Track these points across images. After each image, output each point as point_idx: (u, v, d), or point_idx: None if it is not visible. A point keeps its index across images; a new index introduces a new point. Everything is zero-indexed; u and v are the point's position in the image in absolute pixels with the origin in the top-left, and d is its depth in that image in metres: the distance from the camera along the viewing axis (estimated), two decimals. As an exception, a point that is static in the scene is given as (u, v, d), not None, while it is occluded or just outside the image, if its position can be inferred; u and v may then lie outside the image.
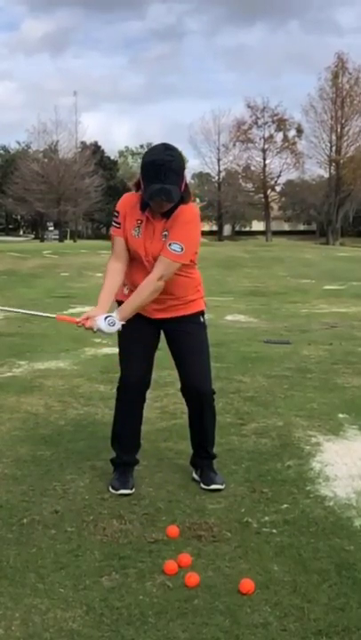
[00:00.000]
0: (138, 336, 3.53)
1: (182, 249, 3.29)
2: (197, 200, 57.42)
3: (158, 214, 3.31)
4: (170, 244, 3.29)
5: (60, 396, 5.44)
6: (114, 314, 3.36)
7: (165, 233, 3.32)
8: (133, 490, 3.53)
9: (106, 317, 3.33)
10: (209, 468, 3.66)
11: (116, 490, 3.52)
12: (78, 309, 11.92)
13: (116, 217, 3.43)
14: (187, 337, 3.54)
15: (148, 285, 3.33)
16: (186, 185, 3.32)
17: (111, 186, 64.20)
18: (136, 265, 3.45)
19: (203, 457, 3.70)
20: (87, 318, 3.38)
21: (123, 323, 3.35)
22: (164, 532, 3.08)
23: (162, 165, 3.16)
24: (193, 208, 3.40)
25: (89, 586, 2.66)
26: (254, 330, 9.21)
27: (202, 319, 3.58)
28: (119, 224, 3.42)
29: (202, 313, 3.58)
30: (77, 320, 3.44)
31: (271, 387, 5.75)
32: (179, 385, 3.68)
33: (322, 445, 4.28)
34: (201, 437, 3.69)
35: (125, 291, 3.54)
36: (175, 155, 3.22)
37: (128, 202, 3.42)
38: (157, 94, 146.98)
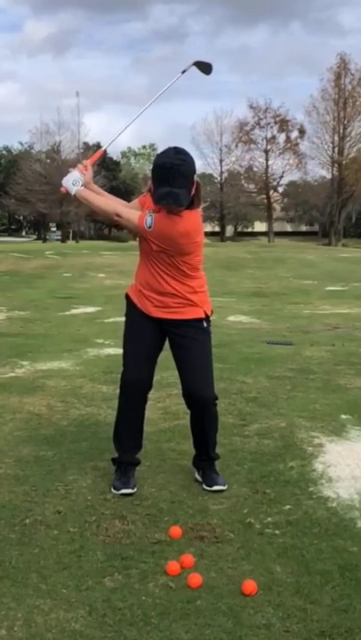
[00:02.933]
0: (142, 336, 3.54)
1: (150, 227, 3.35)
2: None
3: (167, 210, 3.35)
4: (149, 214, 3.35)
5: (63, 397, 5.44)
6: (82, 186, 3.55)
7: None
8: (135, 489, 3.53)
9: (81, 179, 3.55)
10: (211, 469, 3.66)
11: (118, 490, 3.51)
12: (81, 310, 11.94)
13: (149, 188, 3.52)
14: (188, 342, 3.53)
15: (110, 207, 3.55)
16: (197, 189, 3.32)
17: (114, 186, 64.08)
18: (146, 264, 3.49)
19: (203, 459, 3.69)
20: (86, 168, 3.59)
21: (74, 192, 3.53)
22: (167, 532, 3.07)
23: (170, 169, 3.18)
24: (190, 219, 3.36)
25: (91, 586, 2.66)
26: (257, 331, 9.20)
27: (205, 325, 3.57)
28: (146, 194, 3.53)
29: (205, 319, 3.57)
30: (86, 162, 3.64)
31: (274, 387, 5.75)
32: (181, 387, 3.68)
33: (325, 446, 4.27)
34: (202, 441, 3.69)
35: (133, 283, 3.62)
36: (186, 159, 3.24)
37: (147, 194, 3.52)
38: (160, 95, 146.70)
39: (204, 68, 3.87)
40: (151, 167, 3.37)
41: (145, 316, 3.52)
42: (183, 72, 3.76)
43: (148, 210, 3.43)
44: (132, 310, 3.60)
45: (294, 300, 13.83)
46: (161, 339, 3.60)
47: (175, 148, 3.30)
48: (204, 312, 3.56)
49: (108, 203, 3.61)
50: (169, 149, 3.30)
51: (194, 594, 2.60)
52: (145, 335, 3.54)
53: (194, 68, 3.83)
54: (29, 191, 56.74)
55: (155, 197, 3.27)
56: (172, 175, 3.17)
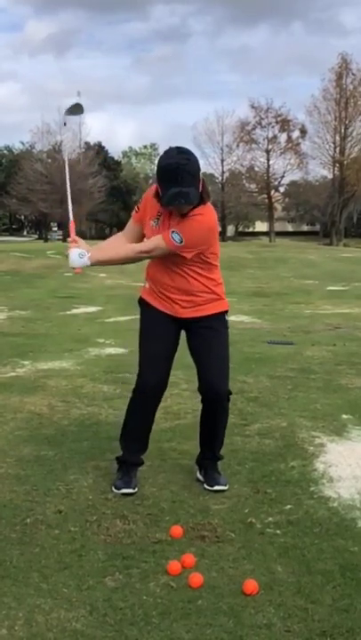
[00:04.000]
0: (161, 337, 3.50)
1: (181, 241, 3.31)
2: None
3: (177, 213, 3.33)
4: (172, 232, 3.32)
5: (64, 396, 5.44)
6: (88, 253, 3.45)
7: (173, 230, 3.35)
8: (136, 489, 3.53)
9: (82, 251, 3.46)
10: (213, 468, 3.65)
11: (119, 489, 3.51)
12: (82, 309, 11.94)
13: (139, 203, 3.50)
14: (211, 333, 3.51)
15: (129, 250, 3.46)
16: (204, 186, 3.33)
17: (115, 186, 64.23)
18: (172, 269, 3.45)
19: (207, 457, 3.69)
20: (75, 241, 3.48)
21: (89, 263, 3.43)
22: (168, 532, 3.07)
23: (177, 169, 3.18)
24: (208, 214, 3.39)
25: (92, 586, 2.65)
26: (258, 331, 9.20)
27: (226, 318, 3.58)
28: (139, 209, 3.50)
29: (226, 312, 3.59)
30: (71, 237, 3.52)
31: (275, 387, 5.75)
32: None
33: (326, 446, 4.27)
34: (210, 438, 3.67)
35: (147, 286, 3.57)
36: (190, 157, 3.24)
37: (154, 192, 3.43)
38: (161, 95, 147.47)
39: (76, 109, 3.90)
40: (155, 170, 3.36)
41: (164, 317, 3.48)
42: (64, 124, 3.76)
43: (150, 220, 3.40)
44: (149, 312, 3.53)
45: (295, 300, 13.82)
46: (178, 337, 3.57)
47: (178, 147, 3.30)
48: (227, 304, 3.59)
49: (123, 250, 3.50)
50: (171, 150, 3.29)
51: (195, 593, 2.60)
52: (164, 336, 3.50)
53: (73, 114, 3.91)
54: (30, 191, 56.75)
55: (164, 200, 3.24)
56: (179, 175, 3.17)
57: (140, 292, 3.62)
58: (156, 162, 3.43)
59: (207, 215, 3.38)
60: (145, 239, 3.50)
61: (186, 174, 3.18)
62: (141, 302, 3.60)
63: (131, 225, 3.55)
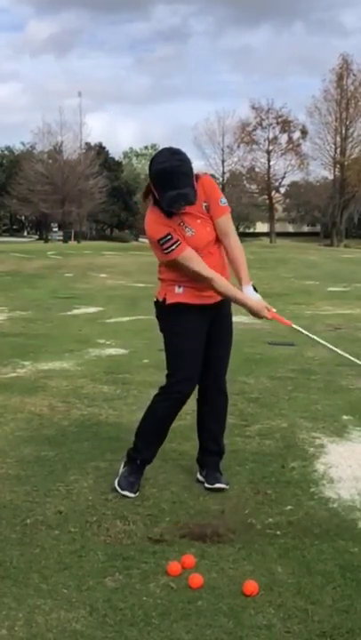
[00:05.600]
0: (201, 338, 3.44)
1: (225, 202, 3.44)
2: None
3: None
4: (220, 201, 3.38)
5: (64, 397, 5.44)
6: (246, 287, 3.51)
7: (205, 204, 3.36)
8: (137, 494, 3.51)
9: (252, 291, 3.51)
10: (215, 468, 3.64)
11: (122, 490, 3.49)
12: (82, 310, 11.93)
13: (171, 238, 3.27)
14: (226, 320, 3.53)
15: (240, 251, 3.55)
16: (197, 179, 3.33)
17: (115, 187, 64.21)
18: (208, 258, 3.42)
19: (213, 452, 3.65)
20: (267, 309, 3.47)
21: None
22: (168, 532, 3.07)
23: (172, 172, 3.18)
24: (209, 176, 3.46)
25: (92, 586, 2.65)
26: (258, 331, 9.19)
27: None
28: (178, 240, 3.29)
29: None
30: (283, 319, 3.66)
31: (275, 388, 5.74)
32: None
33: (326, 447, 4.27)
34: (215, 427, 3.64)
35: (180, 290, 3.41)
36: (183, 158, 3.24)
37: (163, 219, 3.32)
38: (162, 95, 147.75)
39: None
40: (149, 174, 3.33)
41: (202, 316, 3.43)
42: None
43: (186, 233, 3.34)
44: (188, 316, 3.40)
45: (296, 301, 13.79)
46: None
47: (169, 149, 3.30)
48: None
49: (238, 250, 3.56)
50: (163, 152, 3.29)
51: (195, 594, 2.60)
52: (203, 336, 3.45)
53: None
54: (31, 191, 56.85)
55: (164, 203, 3.23)
56: (175, 178, 3.17)
57: (170, 300, 3.42)
58: (148, 165, 3.39)
59: (212, 180, 3.47)
60: (191, 250, 3.32)
61: (181, 175, 3.19)
62: (177, 308, 3.41)
63: (190, 252, 3.30)
